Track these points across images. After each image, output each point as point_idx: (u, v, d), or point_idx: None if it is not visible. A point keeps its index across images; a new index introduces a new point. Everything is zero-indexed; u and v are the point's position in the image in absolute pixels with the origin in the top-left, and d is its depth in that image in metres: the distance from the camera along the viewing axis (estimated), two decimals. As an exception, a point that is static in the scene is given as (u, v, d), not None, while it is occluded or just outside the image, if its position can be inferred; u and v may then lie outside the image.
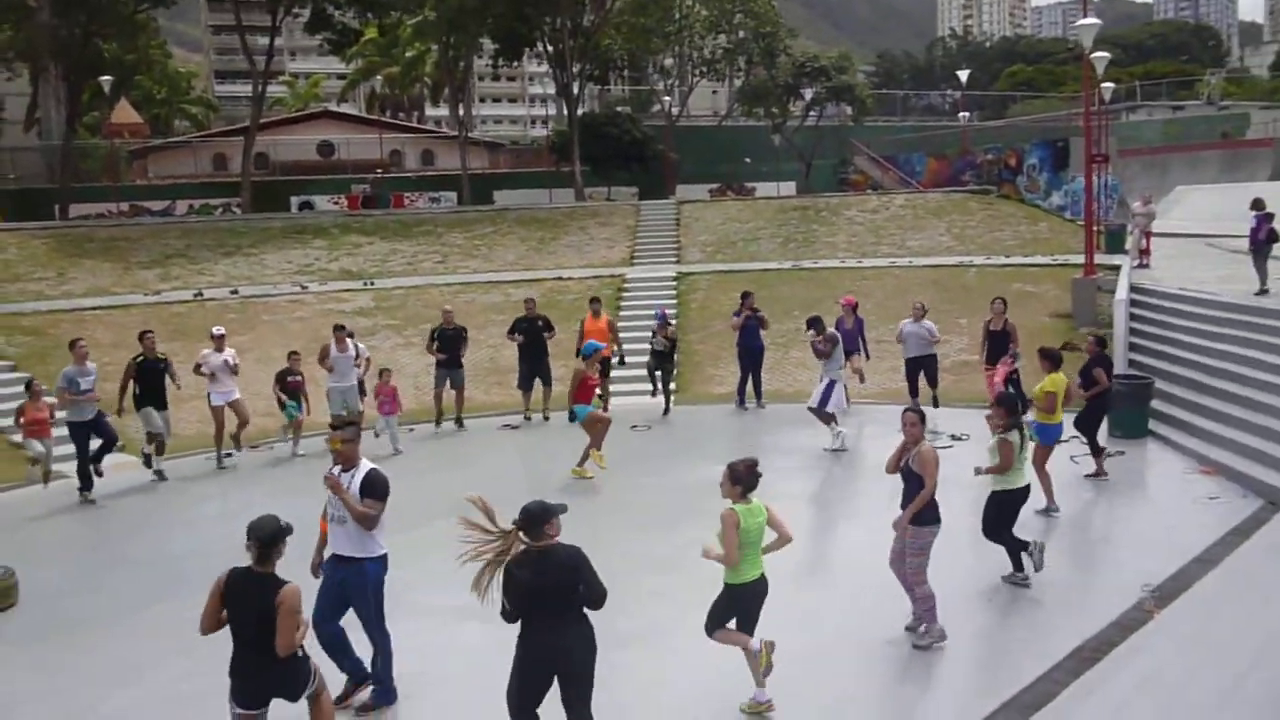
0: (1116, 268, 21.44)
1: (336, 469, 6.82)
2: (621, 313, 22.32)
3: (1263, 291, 16.57)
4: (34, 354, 19.26)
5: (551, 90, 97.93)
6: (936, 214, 29.90)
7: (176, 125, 64.27)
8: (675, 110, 45.10)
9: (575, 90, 38.10)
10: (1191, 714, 6.49)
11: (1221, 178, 42.84)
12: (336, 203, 41.28)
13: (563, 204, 36.23)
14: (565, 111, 39.86)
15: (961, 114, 45.60)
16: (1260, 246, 16.75)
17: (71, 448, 13.82)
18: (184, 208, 39.46)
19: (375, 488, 6.70)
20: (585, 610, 5.66)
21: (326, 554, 6.89)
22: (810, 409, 14.14)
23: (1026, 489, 8.80)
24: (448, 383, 16.66)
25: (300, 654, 5.46)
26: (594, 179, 41.01)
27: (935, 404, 15.35)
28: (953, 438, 13.61)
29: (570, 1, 36.10)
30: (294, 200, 40.98)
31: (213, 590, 5.35)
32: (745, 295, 17.33)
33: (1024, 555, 8.62)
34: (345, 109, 62.52)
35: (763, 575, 6.71)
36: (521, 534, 5.62)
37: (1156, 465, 12.28)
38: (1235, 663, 7.03)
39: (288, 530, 5.48)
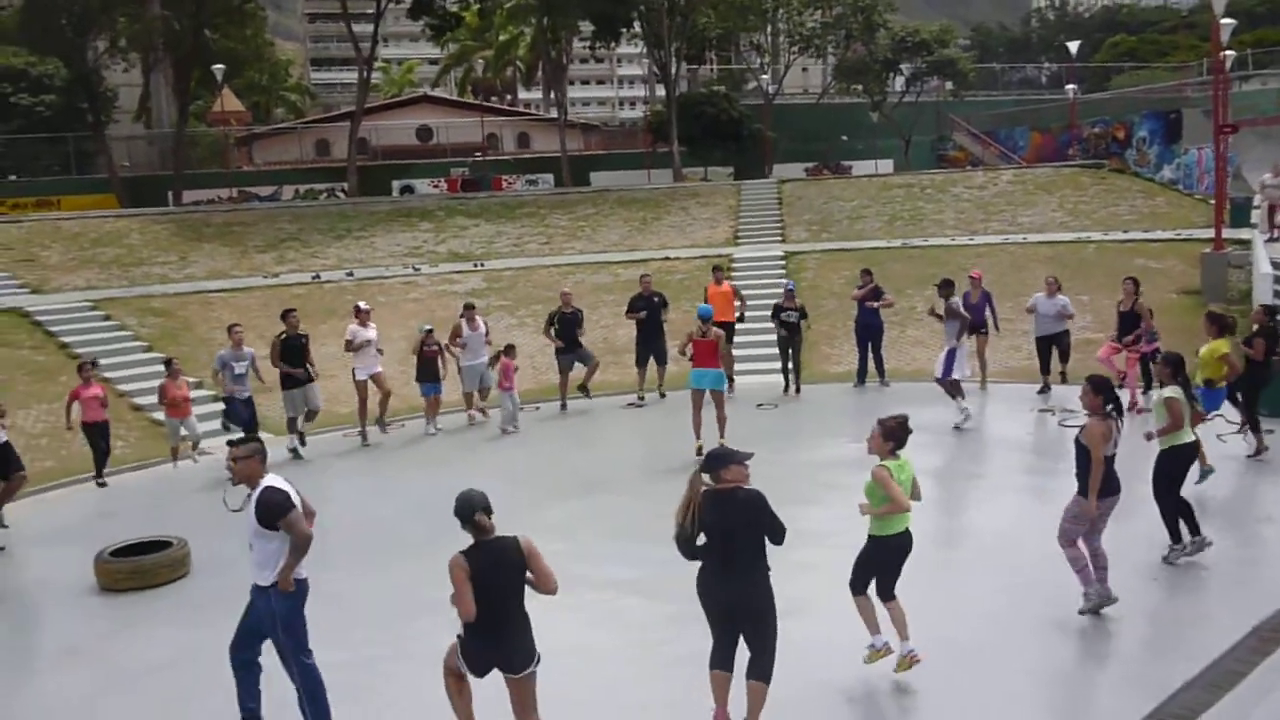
0: (1244, 242, 20.78)
1: (240, 489, 6.33)
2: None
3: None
4: (165, 334, 19.97)
5: (638, 71, 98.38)
6: (1047, 189, 29.21)
7: (276, 112, 65.75)
8: (771, 89, 44.69)
9: (672, 70, 37.91)
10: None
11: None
12: (436, 186, 41.86)
13: (661, 184, 36.30)
14: (661, 92, 39.82)
15: (1068, 86, 44.37)
16: None
17: (215, 424, 14.43)
18: (290, 192, 40.38)
19: (268, 513, 6.07)
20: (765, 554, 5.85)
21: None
22: (937, 380, 13.98)
23: (1194, 444, 8.65)
24: (574, 365, 16.79)
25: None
26: (690, 159, 40.91)
27: (1064, 380, 15.03)
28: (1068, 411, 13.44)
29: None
30: (395, 184, 41.67)
31: (458, 576, 5.38)
32: (866, 272, 17.19)
33: (1185, 536, 8.46)
34: (439, 93, 63.16)
35: (908, 530, 6.76)
36: (705, 476, 5.82)
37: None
38: None
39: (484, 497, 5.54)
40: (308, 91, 70.77)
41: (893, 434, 6.69)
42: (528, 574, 5.52)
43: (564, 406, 16.72)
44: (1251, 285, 18.92)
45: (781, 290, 17.49)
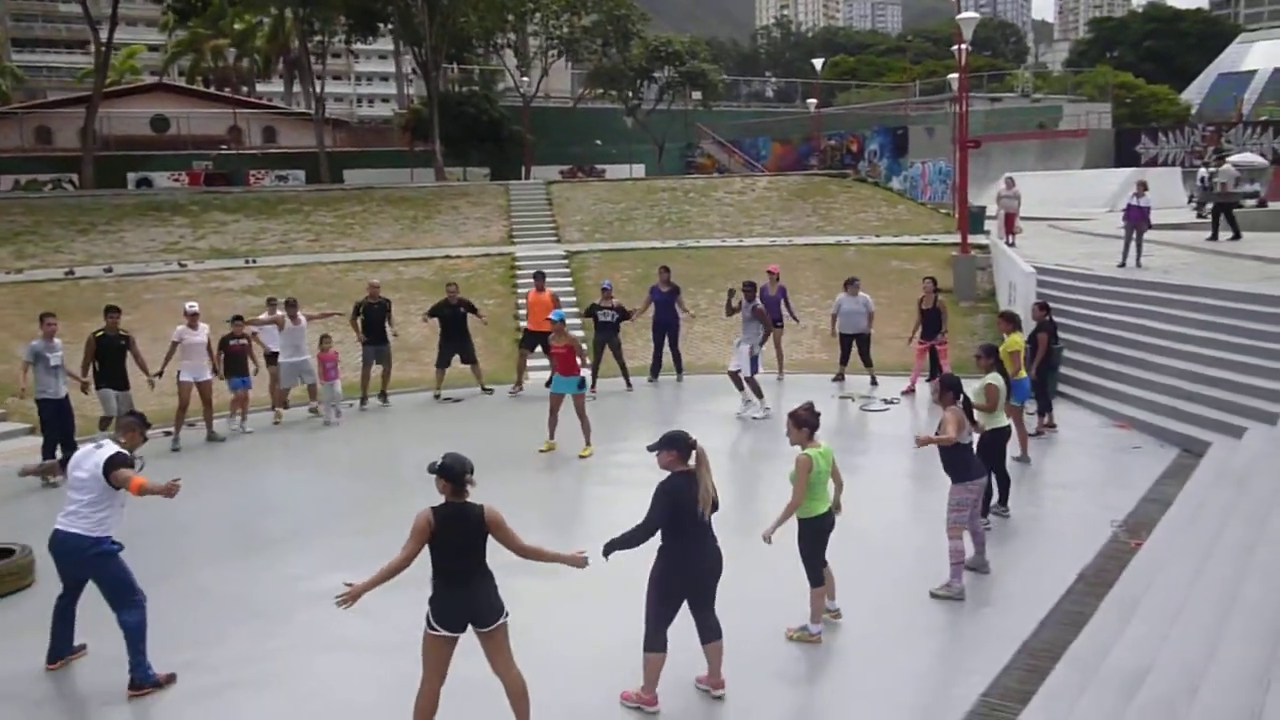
0: (983, 247, 23.07)
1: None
2: (518, 290, 22.54)
3: (1122, 265, 18.50)
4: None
5: (377, 68, 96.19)
6: (800, 196, 31.16)
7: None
8: (530, 91, 45.09)
9: (433, 70, 37.58)
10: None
11: (1039, 165, 46.07)
12: (177, 179, 39.58)
13: (424, 184, 35.91)
14: (410, 90, 39.28)
15: (809, 100, 47.30)
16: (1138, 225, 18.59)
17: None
18: (8, 183, 37.06)
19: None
20: None
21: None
22: (736, 375, 14.64)
23: (1008, 428, 9.79)
24: (374, 361, 16.59)
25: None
26: (448, 159, 40.62)
27: (874, 383, 16.24)
28: (886, 402, 14.69)
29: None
30: (130, 176, 39.10)
31: (419, 527, 5.62)
32: (664, 269, 17.86)
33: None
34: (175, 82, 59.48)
35: (830, 510, 7.35)
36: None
37: (1075, 422, 13.50)
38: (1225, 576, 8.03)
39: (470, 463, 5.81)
40: (14, 74, 64.71)
41: (805, 421, 7.25)
42: (489, 538, 5.76)
43: (364, 402, 16.47)
44: (994, 285, 21.16)
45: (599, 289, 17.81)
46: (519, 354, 17.20)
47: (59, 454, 12.34)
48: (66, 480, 7.00)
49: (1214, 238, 22.15)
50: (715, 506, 6.37)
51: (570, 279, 23.49)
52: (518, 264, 24.43)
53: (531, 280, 17.65)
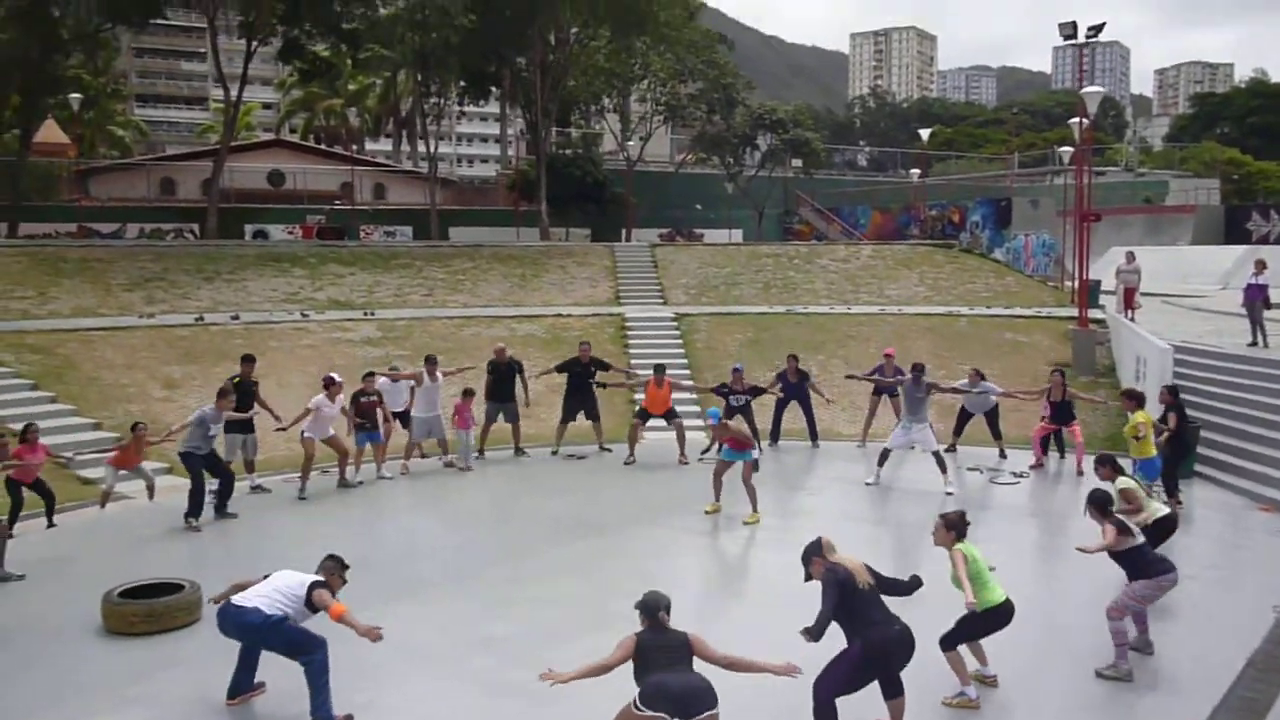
0: (1100, 321, 22.74)
1: None
2: (630, 350, 22.82)
3: (1253, 344, 18.09)
4: (49, 372, 18.82)
5: (479, 129, 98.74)
6: (906, 264, 31.10)
7: (99, 149, 62.65)
8: (632, 155, 45.88)
9: (542, 131, 38.49)
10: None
11: (1146, 240, 45.32)
12: (291, 232, 40.83)
13: (530, 243, 36.62)
14: (524, 152, 40.18)
15: (912, 170, 47.33)
16: (1256, 304, 18.22)
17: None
18: (134, 231, 38.65)
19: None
20: None
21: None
22: (934, 453, 14.41)
23: (1171, 515, 9.62)
24: (500, 416, 16.89)
25: None
26: (550, 219, 41.40)
27: (1002, 454, 16.03)
28: (1015, 475, 14.53)
29: (542, 41, 36.64)
30: (248, 228, 40.48)
31: (624, 646, 6.01)
32: (792, 358, 17.65)
33: None
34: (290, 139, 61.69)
35: (1008, 599, 7.47)
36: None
37: (1216, 504, 13.18)
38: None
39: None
40: (139, 128, 67.72)
41: (954, 525, 7.53)
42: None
43: (481, 454, 16.73)
44: (1114, 360, 20.81)
45: (729, 371, 17.19)
46: (633, 424, 16.93)
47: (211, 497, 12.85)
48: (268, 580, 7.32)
49: None
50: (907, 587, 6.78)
51: (680, 341, 23.69)
52: (627, 324, 24.74)
53: (652, 371, 17.09)
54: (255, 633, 7.06)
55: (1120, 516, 8.34)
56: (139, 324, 22.50)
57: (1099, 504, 8.27)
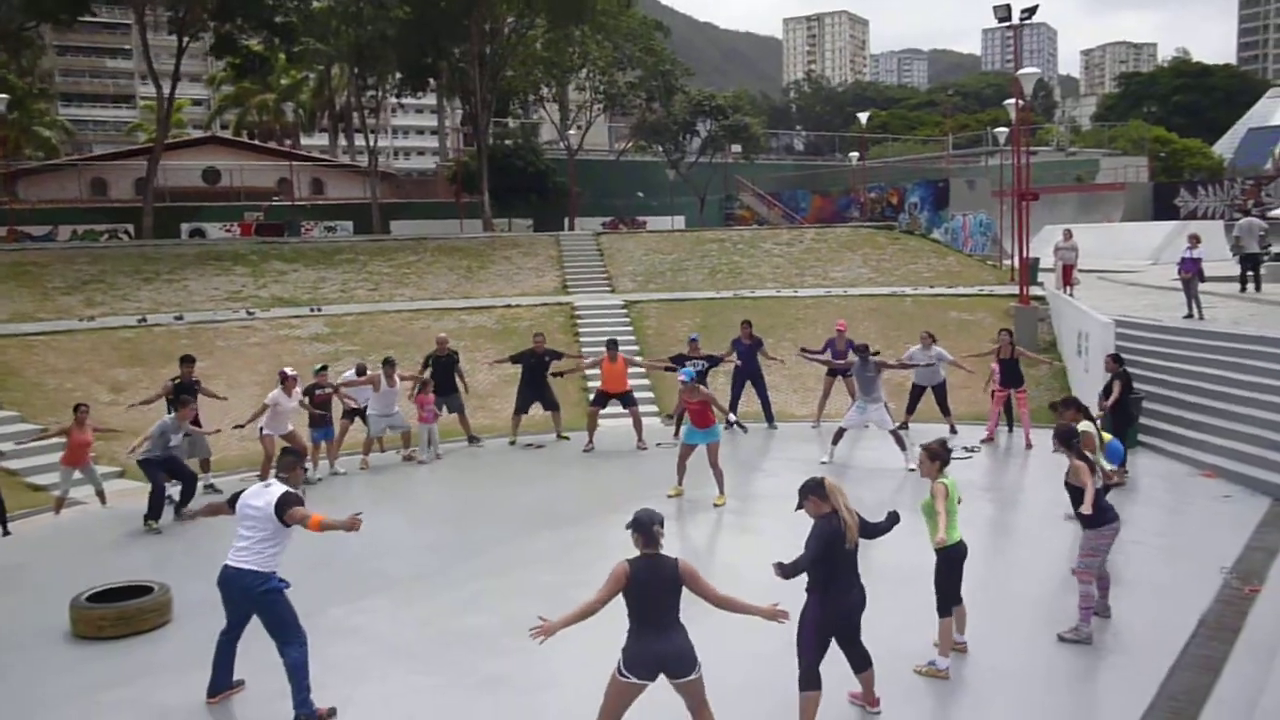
0: (1041, 298, 23.23)
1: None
2: (580, 338, 22.88)
3: (1189, 316, 18.62)
4: (-11, 380, 18.47)
5: (414, 122, 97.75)
6: (849, 247, 31.46)
7: (27, 152, 61.11)
8: (573, 144, 45.81)
9: (482, 122, 38.29)
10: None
11: (1079, 218, 46.22)
12: (229, 230, 40.26)
13: (474, 235, 36.46)
14: (461, 144, 39.94)
15: (852, 154, 47.82)
16: (1191, 277, 18.75)
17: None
18: (66, 233, 37.86)
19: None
20: None
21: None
22: (892, 432, 14.72)
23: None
24: (444, 409, 16.89)
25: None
26: (491, 210, 41.20)
27: (953, 431, 16.32)
28: (967, 449, 14.81)
29: (479, 32, 36.41)
30: (184, 227, 39.82)
31: (615, 576, 5.84)
32: (746, 324, 18.06)
33: None
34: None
35: (962, 540, 7.68)
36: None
37: (1160, 472, 13.60)
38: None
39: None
40: (64, 128, 66.11)
41: (938, 455, 7.58)
42: (683, 590, 5.93)
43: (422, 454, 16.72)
44: (1055, 336, 21.29)
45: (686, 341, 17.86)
46: (590, 411, 17.02)
47: (177, 497, 12.75)
48: (236, 517, 7.23)
49: (1243, 289, 22.39)
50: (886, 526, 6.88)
51: (630, 328, 23.78)
52: (576, 313, 24.78)
53: (604, 349, 17.25)
54: (253, 598, 7.02)
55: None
56: (80, 327, 22.10)
57: (1065, 438, 8.34)
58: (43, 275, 26.60)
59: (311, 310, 24.59)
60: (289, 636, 7.00)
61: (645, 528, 5.92)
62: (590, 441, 16.45)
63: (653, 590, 5.83)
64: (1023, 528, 11.84)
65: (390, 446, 16.52)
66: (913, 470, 13.86)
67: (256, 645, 7.27)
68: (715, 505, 12.71)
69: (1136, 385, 15.37)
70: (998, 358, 15.81)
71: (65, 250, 30.28)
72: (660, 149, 45.75)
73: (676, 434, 16.47)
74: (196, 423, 13.89)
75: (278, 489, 7.12)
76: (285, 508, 6.97)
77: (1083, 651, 8.04)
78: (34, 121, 60.71)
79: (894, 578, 8.70)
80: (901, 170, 51.70)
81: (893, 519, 7.13)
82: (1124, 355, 16.02)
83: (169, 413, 13.43)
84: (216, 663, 7.32)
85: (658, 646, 5.83)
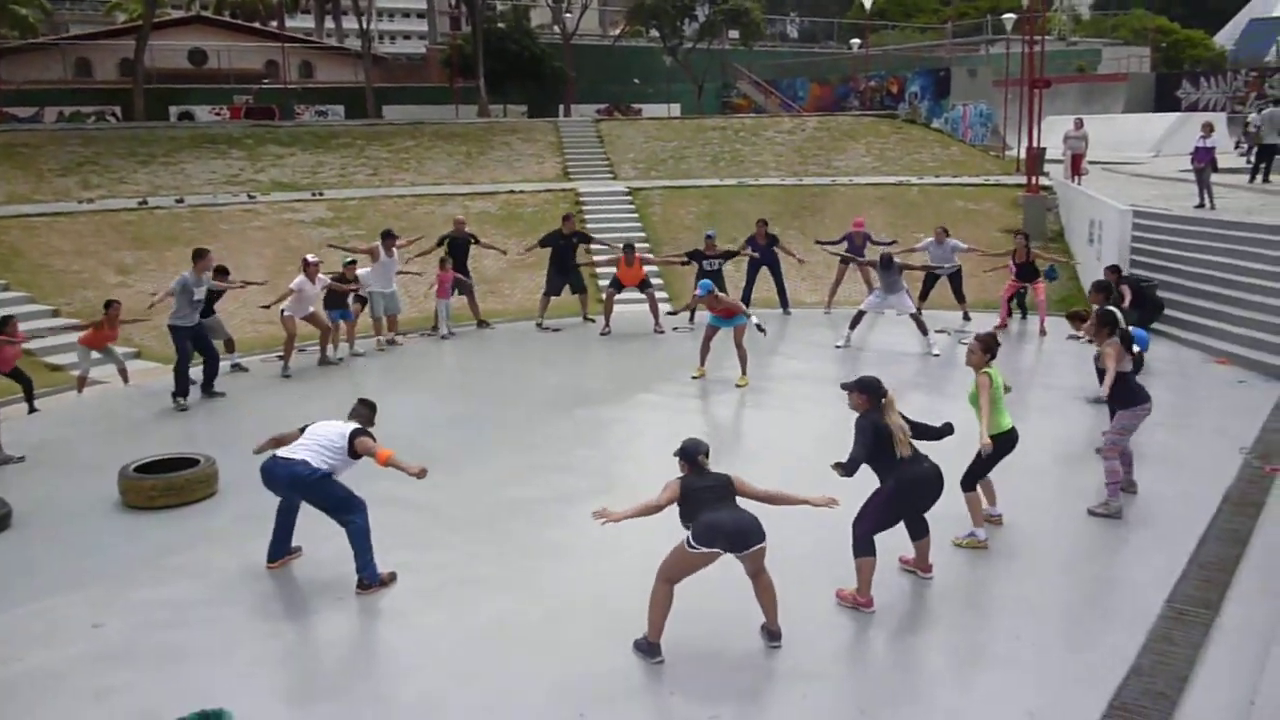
0: (1048, 187, 23.17)
1: None
2: (587, 225, 22.74)
3: (1200, 206, 18.65)
4: (-5, 261, 18.34)
5: (399, 3, 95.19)
6: (852, 136, 31.13)
7: (3, 31, 59.31)
8: (570, 28, 44.81)
9: (479, 4, 37.40)
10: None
11: (1081, 109, 45.70)
12: (218, 113, 39.54)
13: (470, 120, 35.90)
14: (447, 26, 38.96)
15: (853, 40, 46.99)
16: (1204, 166, 18.73)
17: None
18: (53, 115, 37.09)
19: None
20: None
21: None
22: (912, 315, 14.80)
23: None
24: (455, 291, 16.89)
25: None
26: (488, 96, 40.50)
27: (966, 316, 16.52)
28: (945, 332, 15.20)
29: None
30: (173, 110, 39.05)
31: (669, 489, 6.16)
32: (761, 222, 17.96)
33: None
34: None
35: (1013, 428, 7.77)
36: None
37: (1176, 359, 13.78)
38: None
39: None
40: (41, 6, 64.06)
41: (989, 347, 7.70)
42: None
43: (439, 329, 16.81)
44: (1062, 225, 21.32)
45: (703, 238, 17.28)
46: (607, 293, 16.92)
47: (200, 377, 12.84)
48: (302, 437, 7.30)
49: (1252, 180, 22.37)
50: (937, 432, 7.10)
51: (636, 214, 23.68)
52: (581, 199, 24.61)
53: (621, 250, 16.91)
54: (304, 486, 7.07)
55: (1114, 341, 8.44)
56: (80, 209, 21.84)
57: (1105, 320, 8.46)
58: (35, 157, 26.13)
59: (313, 195, 24.34)
60: (349, 508, 7.13)
61: (691, 457, 6.21)
62: (607, 325, 16.52)
63: (708, 494, 6.09)
64: (1041, 407, 12.02)
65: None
66: (937, 355, 14.09)
67: (316, 514, 7.39)
68: (737, 386, 12.86)
69: (1150, 275, 15.52)
70: (1014, 260, 15.86)
71: (56, 132, 29.68)
72: (657, 33, 44.76)
73: (691, 320, 16.61)
74: (211, 311, 13.83)
75: (353, 424, 7.28)
76: (357, 436, 7.13)
77: (1113, 525, 8.28)
78: (11, 0, 59.03)
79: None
80: (901, 58, 50.83)
81: (946, 429, 7.28)
82: (1136, 244, 16.20)
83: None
84: (276, 530, 7.47)
85: (729, 518, 6.05)
